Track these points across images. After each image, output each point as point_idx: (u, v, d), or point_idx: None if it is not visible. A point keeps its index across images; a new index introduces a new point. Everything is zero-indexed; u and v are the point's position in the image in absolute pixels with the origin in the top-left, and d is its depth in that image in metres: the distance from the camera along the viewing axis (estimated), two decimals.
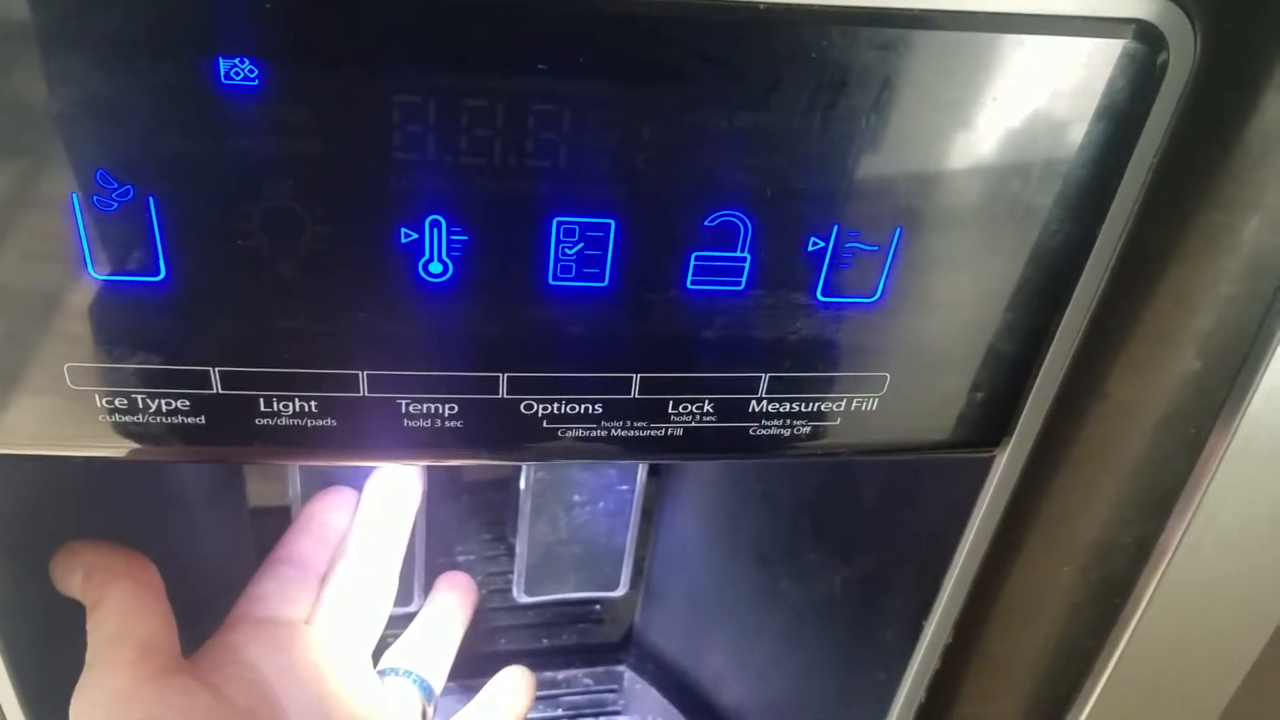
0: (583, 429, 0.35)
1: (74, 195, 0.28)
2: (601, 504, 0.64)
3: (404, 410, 0.33)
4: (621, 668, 0.76)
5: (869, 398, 0.35)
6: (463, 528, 0.74)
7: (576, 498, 0.63)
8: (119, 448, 0.33)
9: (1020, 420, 0.37)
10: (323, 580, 0.55)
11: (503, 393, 0.33)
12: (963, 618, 0.44)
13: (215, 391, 0.32)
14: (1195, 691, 0.43)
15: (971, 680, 0.46)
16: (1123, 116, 0.30)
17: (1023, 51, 0.29)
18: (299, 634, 0.52)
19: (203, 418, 0.32)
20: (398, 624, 0.71)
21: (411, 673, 0.57)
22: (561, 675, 0.75)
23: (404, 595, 0.64)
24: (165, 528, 0.56)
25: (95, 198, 0.28)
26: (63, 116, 0.26)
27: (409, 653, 0.59)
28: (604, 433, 0.35)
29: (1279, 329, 0.33)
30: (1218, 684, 0.43)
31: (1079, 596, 0.42)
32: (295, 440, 0.33)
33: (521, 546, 0.65)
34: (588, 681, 0.75)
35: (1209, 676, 0.43)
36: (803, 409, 0.35)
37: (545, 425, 0.34)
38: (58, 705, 0.43)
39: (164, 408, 0.32)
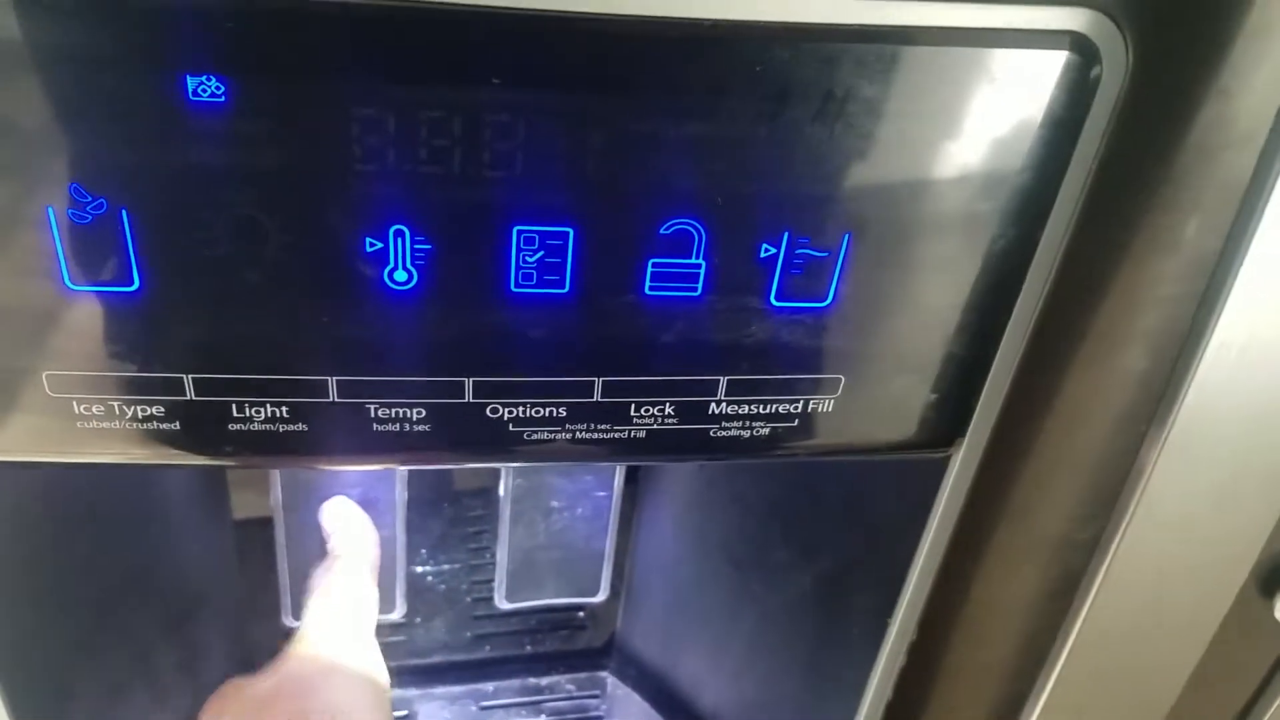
0: (548, 431, 0.36)
1: (49, 209, 0.29)
2: (580, 510, 0.65)
3: (373, 415, 0.34)
4: (604, 673, 0.77)
5: (825, 399, 0.37)
6: (443, 536, 0.75)
7: (555, 504, 0.64)
8: (97, 454, 0.34)
9: (973, 420, 0.38)
10: None
11: (469, 397, 0.34)
12: (926, 615, 0.45)
13: (188, 398, 0.33)
14: (1149, 677, 0.44)
15: (937, 676, 0.46)
16: (1060, 125, 0.32)
17: (961, 64, 0.30)
18: None
19: (177, 424, 0.33)
20: (379, 632, 0.73)
21: None
22: (545, 681, 0.76)
23: (385, 603, 0.65)
24: (147, 540, 0.57)
25: (70, 211, 0.29)
26: (36, 132, 0.28)
27: None
28: (568, 435, 0.36)
29: (1209, 325, 0.34)
30: (1171, 669, 0.44)
31: (1040, 592, 0.43)
32: (268, 445, 0.34)
33: (502, 553, 0.66)
34: (571, 688, 0.76)
35: (1162, 663, 0.44)
36: (761, 411, 0.36)
37: (511, 428, 0.35)
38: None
39: (139, 414, 0.33)
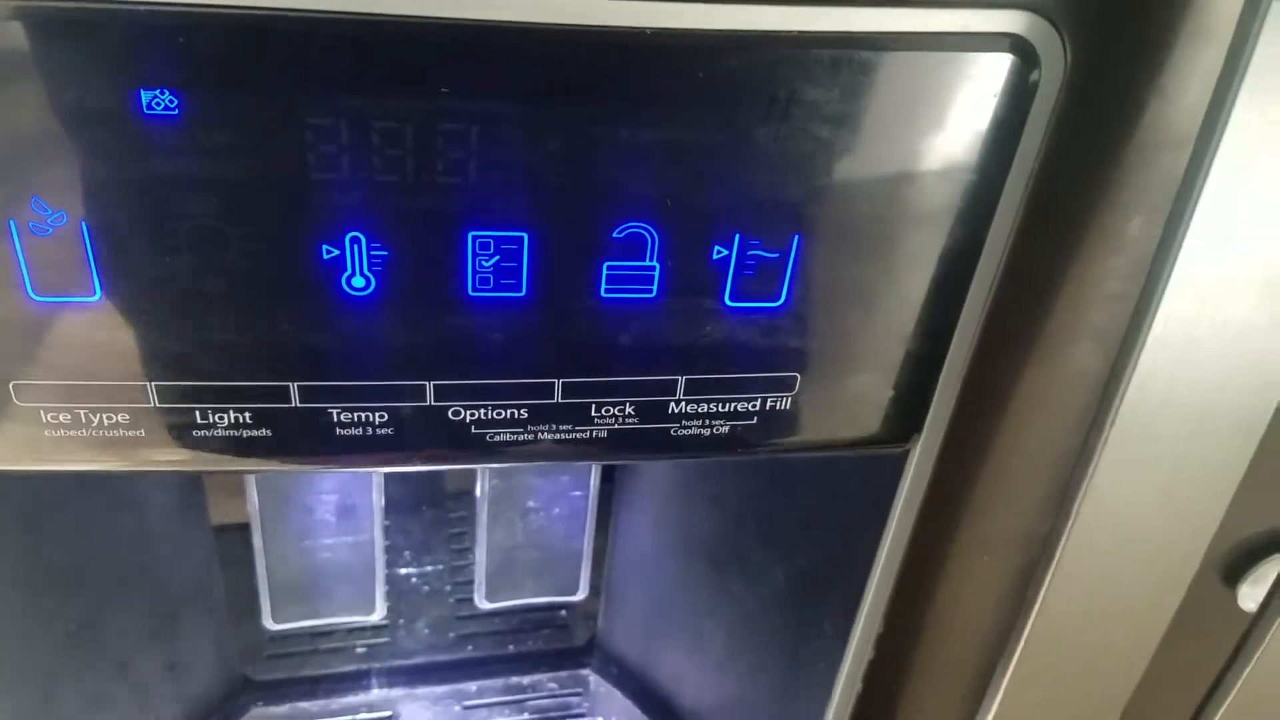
0: (509, 433, 0.36)
1: (11, 221, 0.29)
2: (557, 510, 0.66)
3: (335, 419, 0.35)
4: (586, 671, 0.77)
5: (782, 397, 0.37)
6: (425, 537, 0.76)
7: (532, 504, 0.65)
8: (65, 462, 0.34)
9: (930, 415, 0.39)
10: None
11: (430, 400, 0.35)
12: (892, 609, 0.45)
13: (153, 405, 0.33)
14: (1106, 668, 0.45)
15: (905, 668, 0.47)
16: (1001, 126, 0.32)
17: (902, 68, 0.31)
18: None
19: (142, 430, 0.34)
20: (361, 634, 0.73)
21: None
22: (527, 680, 0.76)
23: (365, 605, 0.66)
24: (128, 547, 0.57)
25: (31, 223, 0.29)
26: None
27: None
28: (530, 436, 0.37)
29: (1146, 320, 0.35)
30: (1128, 659, 0.45)
31: (1003, 584, 0.44)
32: (232, 450, 0.35)
33: (480, 554, 0.67)
34: (553, 686, 0.76)
35: (1118, 654, 0.45)
36: (720, 409, 0.37)
37: (473, 430, 0.36)
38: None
39: (105, 421, 0.34)
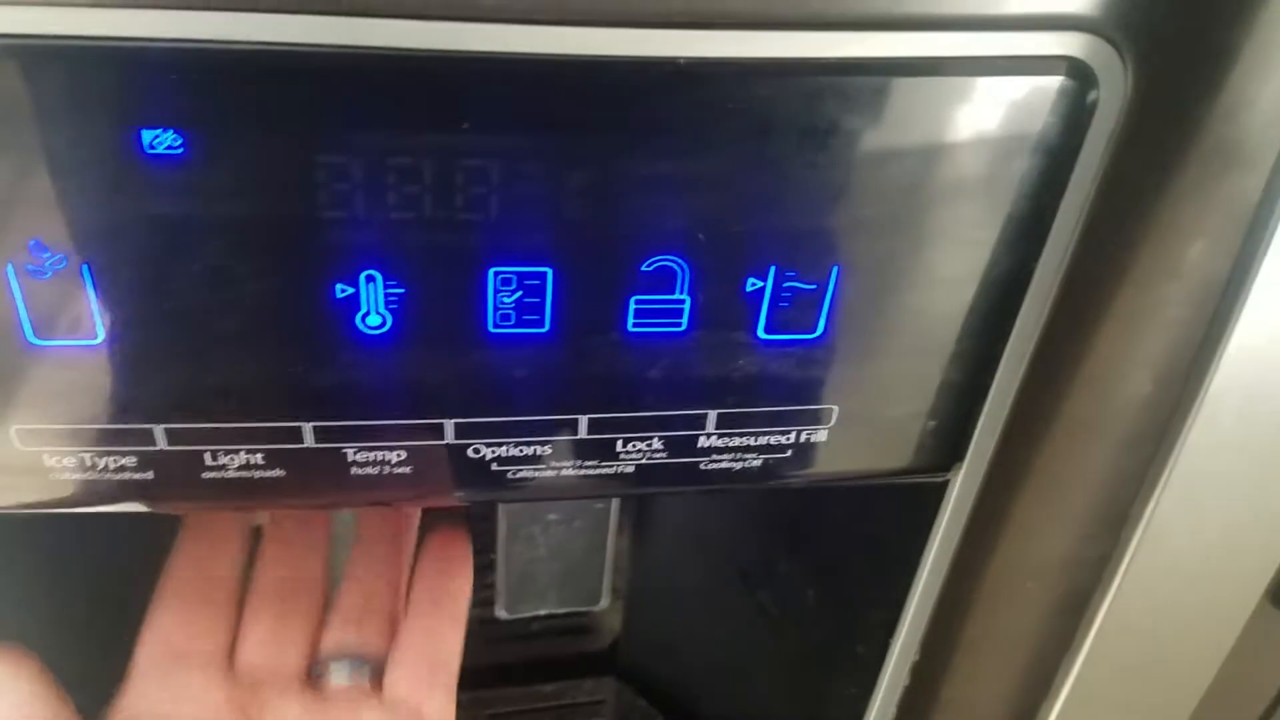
0: (532, 470, 0.35)
1: (9, 265, 0.28)
2: (578, 521, 0.64)
3: (351, 459, 0.33)
4: (609, 678, 0.76)
5: (818, 429, 0.35)
6: None
7: (553, 516, 0.64)
8: (69, 505, 0.33)
9: (972, 445, 0.37)
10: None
11: (449, 438, 0.33)
12: (929, 634, 0.44)
13: (161, 448, 0.32)
14: (1161, 696, 0.44)
15: (940, 695, 0.46)
16: (1056, 151, 0.30)
17: (951, 93, 0.29)
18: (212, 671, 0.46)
19: (150, 473, 0.33)
20: None
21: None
22: (549, 688, 0.75)
23: None
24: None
25: (29, 266, 0.28)
26: None
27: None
28: (554, 472, 0.35)
29: (1217, 351, 0.33)
30: (1183, 688, 0.43)
31: (1044, 612, 0.43)
32: (243, 491, 0.33)
33: (501, 565, 0.65)
34: (575, 694, 0.75)
35: (1174, 683, 0.43)
36: (752, 443, 0.35)
37: (494, 468, 0.35)
38: None
39: (111, 465, 0.32)
